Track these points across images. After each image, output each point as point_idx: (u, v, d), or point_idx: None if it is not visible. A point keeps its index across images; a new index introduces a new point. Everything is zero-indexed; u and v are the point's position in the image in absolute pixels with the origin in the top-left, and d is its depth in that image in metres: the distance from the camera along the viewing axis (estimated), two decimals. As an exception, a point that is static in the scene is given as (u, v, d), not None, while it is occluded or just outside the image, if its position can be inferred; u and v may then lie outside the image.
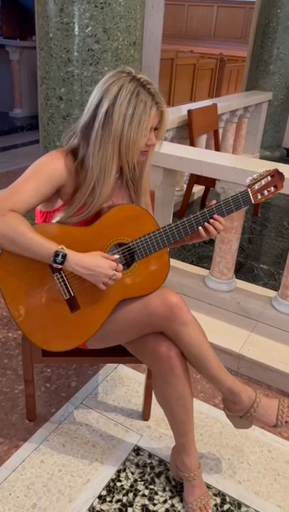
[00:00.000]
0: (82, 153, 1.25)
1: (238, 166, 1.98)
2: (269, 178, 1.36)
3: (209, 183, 3.22)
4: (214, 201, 1.34)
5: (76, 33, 1.96)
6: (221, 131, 3.89)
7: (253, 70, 4.82)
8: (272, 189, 1.37)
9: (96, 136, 1.20)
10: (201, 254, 2.96)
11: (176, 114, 3.23)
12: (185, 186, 3.44)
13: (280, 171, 1.37)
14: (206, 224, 1.32)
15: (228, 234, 2.17)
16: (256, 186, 1.34)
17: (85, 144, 1.24)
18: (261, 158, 4.73)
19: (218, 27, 12.28)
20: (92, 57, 2.00)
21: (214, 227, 1.32)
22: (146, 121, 1.19)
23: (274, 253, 3.13)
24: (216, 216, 1.32)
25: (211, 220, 1.32)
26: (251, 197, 1.33)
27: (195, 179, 3.25)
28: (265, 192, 1.36)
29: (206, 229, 1.32)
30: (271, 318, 2.13)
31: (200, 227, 1.32)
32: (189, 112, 3.17)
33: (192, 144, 3.21)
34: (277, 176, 1.37)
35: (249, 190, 1.33)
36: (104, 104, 1.18)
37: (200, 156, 2.13)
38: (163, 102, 1.22)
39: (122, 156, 1.23)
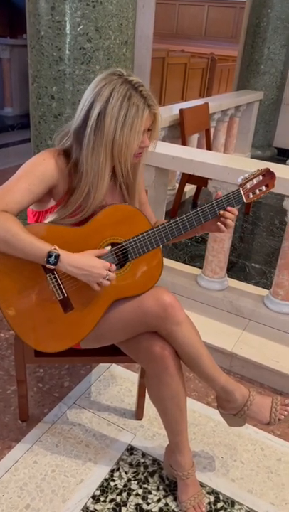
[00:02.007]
0: (75, 156, 1.24)
1: (230, 165, 1.99)
2: (260, 177, 1.37)
3: (201, 182, 3.23)
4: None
5: (68, 31, 1.95)
6: (212, 130, 3.90)
7: (244, 69, 4.84)
8: (264, 188, 1.38)
9: (88, 140, 1.20)
10: (194, 254, 2.97)
11: (167, 113, 3.23)
12: (177, 185, 3.45)
13: (271, 170, 1.38)
14: (221, 219, 1.33)
15: (220, 233, 2.17)
16: (248, 185, 1.35)
17: (78, 147, 1.23)
18: (252, 157, 4.75)
19: (209, 26, 12.32)
20: (84, 56, 1.99)
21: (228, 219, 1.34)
22: (138, 125, 1.18)
23: (265, 252, 3.14)
24: (229, 208, 1.32)
25: (222, 212, 1.32)
26: (243, 196, 1.34)
27: (187, 178, 3.26)
28: (257, 191, 1.37)
29: (223, 222, 1.33)
30: (263, 316, 2.14)
31: (218, 224, 1.33)
32: (181, 111, 3.17)
33: (184, 143, 3.22)
34: (268, 175, 1.38)
35: (241, 189, 1.34)
36: (95, 107, 1.17)
37: (192, 156, 2.14)
38: (156, 104, 1.22)
39: (115, 159, 1.23)
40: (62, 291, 1.26)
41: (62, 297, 1.26)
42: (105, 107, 1.16)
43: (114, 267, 1.24)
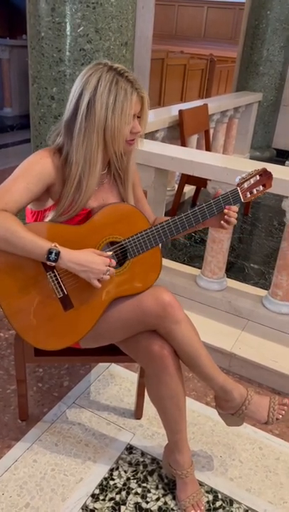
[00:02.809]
0: (66, 149, 1.26)
1: (229, 166, 2.00)
2: (258, 177, 1.38)
3: (200, 183, 3.23)
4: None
5: (68, 32, 1.96)
6: (211, 131, 3.91)
7: (243, 70, 4.85)
8: (261, 188, 1.39)
9: (80, 129, 1.21)
10: (193, 254, 2.98)
11: (166, 114, 3.24)
12: (176, 186, 3.46)
13: (268, 170, 1.39)
14: (225, 217, 1.34)
15: (219, 234, 2.18)
16: (245, 185, 1.36)
17: (68, 139, 1.24)
18: (251, 158, 4.77)
19: (208, 27, 12.34)
20: (84, 57, 2.00)
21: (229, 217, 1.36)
22: (128, 108, 1.20)
23: (264, 253, 3.15)
24: (228, 207, 1.34)
25: (226, 211, 1.33)
26: (241, 195, 1.35)
27: (186, 179, 3.27)
28: (254, 191, 1.38)
29: (226, 220, 1.35)
30: (262, 316, 2.15)
31: (222, 222, 1.36)
32: (180, 112, 3.18)
33: (183, 144, 3.23)
34: (265, 175, 1.39)
35: (238, 188, 1.35)
36: (85, 96, 1.19)
37: (191, 156, 2.15)
38: (142, 88, 1.23)
39: (108, 145, 1.24)
40: (62, 290, 1.26)
41: (62, 295, 1.27)
42: (94, 94, 1.18)
43: (114, 262, 1.25)
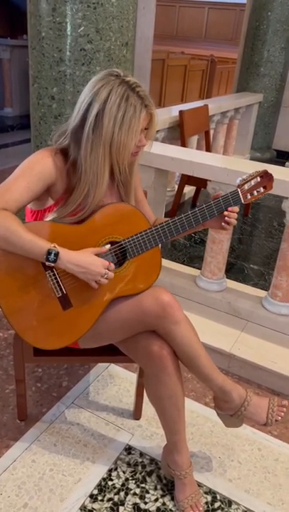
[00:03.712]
0: (73, 155, 1.26)
1: (229, 166, 2.00)
2: (258, 178, 1.37)
3: (200, 183, 3.23)
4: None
5: (68, 32, 1.96)
6: (211, 132, 3.91)
7: (244, 71, 4.86)
8: (262, 189, 1.39)
9: (87, 140, 1.21)
10: (192, 255, 2.98)
11: (167, 114, 3.24)
12: (176, 187, 3.46)
13: (269, 172, 1.39)
14: (226, 218, 1.34)
15: (218, 234, 2.19)
16: (246, 186, 1.36)
17: (76, 147, 1.25)
18: (252, 159, 4.77)
19: (209, 28, 12.34)
20: (85, 57, 2.00)
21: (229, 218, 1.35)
22: (136, 125, 1.20)
23: (264, 253, 3.15)
24: (230, 208, 1.34)
25: (226, 213, 1.33)
26: (241, 197, 1.35)
27: (186, 179, 3.27)
28: (255, 192, 1.38)
29: (226, 221, 1.35)
30: (261, 317, 2.15)
31: (223, 224, 1.35)
32: (181, 112, 3.18)
33: (183, 144, 3.23)
34: (266, 176, 1.39)
35: (239, 190, 1.35)
36: (94, 108, 1.19)
37: (191, 157, 2.15)
38: (152, 104, 1.24)
39: (113, 158, 1.25)
40: (61, 289, 1.26)
41: (61, 295, 1.27)
42: (103, 107, 1.18)
43: (112, 265, 1.25)
